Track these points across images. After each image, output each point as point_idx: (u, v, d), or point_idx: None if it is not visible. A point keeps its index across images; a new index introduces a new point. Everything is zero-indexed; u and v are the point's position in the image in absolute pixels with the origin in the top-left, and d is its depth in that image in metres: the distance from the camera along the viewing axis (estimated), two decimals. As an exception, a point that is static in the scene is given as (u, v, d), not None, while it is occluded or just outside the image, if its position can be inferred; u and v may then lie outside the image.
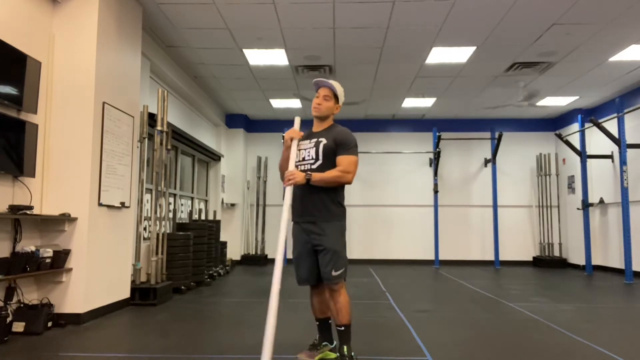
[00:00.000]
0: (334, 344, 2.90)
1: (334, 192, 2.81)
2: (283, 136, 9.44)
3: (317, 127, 2.92)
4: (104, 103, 4.27)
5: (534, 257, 9.88)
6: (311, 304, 2.97)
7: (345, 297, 2.74)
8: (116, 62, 4.55)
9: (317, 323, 2.97)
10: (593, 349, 3.25)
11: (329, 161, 2.76)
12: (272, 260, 9.37)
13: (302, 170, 2.77)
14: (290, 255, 10.79)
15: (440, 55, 6.43)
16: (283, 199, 2.67)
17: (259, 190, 10.23)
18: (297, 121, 2.92)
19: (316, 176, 2.70)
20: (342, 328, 2.72)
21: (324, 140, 2.80)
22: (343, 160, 2.75)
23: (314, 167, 2.77)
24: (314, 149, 2.80)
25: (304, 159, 2.83)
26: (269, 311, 2.28)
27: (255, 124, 10.47)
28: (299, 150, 2.85)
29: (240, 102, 9.02)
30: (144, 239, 5.54)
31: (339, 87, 2.89)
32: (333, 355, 2.85)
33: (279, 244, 2.53)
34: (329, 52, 6.33)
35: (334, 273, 2.69)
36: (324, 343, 2.89)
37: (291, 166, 2.73)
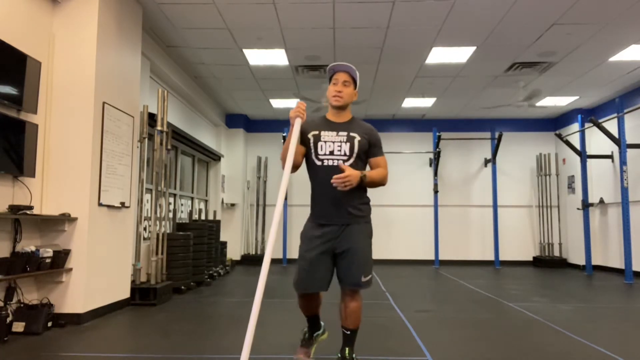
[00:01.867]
0: (321, 329, 2.79)
1: (361, 189, 2.55)
2: (284, 137, 9.50)
3: (337, 117, 2.61)
4: (104, 103, 4.27)
5: (534, 257, 9.89)
6: (300, 305, 2.70)
7: (360, 303, 2.60)
8: (116, 62, 4.55)
9: (307, 319, 2.77)
10: (593, 349, 3.24)
11: (359, 160, 2.54)
12: (272, 261, 9.36)
13: (329, 166, 2.49)
14: (289, 256, 10.67)
15: (440, 55, 6.43)
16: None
17: (259, 190, 10.23)
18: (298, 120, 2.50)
19: (370, 176, 2.46)
20: (349, 332, 2.60)
21: (357, 137, 2.53)
22: (382, 161, 2.60)
23: (346, 164, 2.49)
24: (348, 144, 2.51)
25: (332, 153, 2.50)
26: (252, 310, 2.13)
27: (255, 124, 10.47)
28: (324, 142, 2.52)
29: (240, 102, 9.02)
30: (144, 239, 5.54)
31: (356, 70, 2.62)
32: (325, 335, 2.80)
33: (270, 235, 2.23)
34: (329, 52, 6.33)
35: (364, 279, 2.49)
36: (315, 334, 2.76)
37: (291, 150, 2.36)
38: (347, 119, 2.62)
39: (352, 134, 2.54)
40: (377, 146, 2.60)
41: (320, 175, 2.53)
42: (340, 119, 2.61)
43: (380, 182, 2.55)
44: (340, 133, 2.54)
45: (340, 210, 2.50)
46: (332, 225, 2.51)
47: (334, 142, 2.52)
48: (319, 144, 2.53)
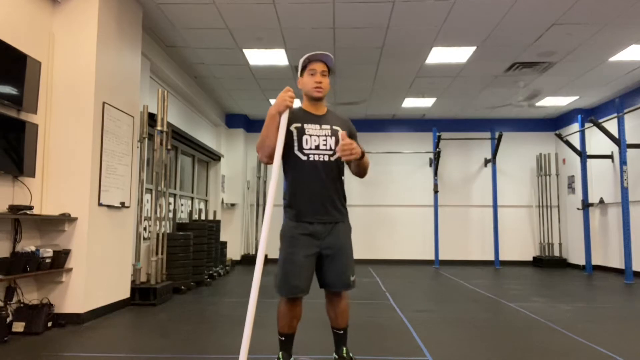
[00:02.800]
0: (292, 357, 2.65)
1: (342, 186, 2.52)
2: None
3: (316, 109, 2.52)
4: (104, 103, 4.27)
5: (534, 257, 9.89)
6: (283, 319, 2.49)
7: (349, 300, 2.61)
8: (116, 62, 4.55)
9: (283, 339, 2.52)
10: (593, 349, 3.24)
11: None
12: (273, 261, 9.37)
13: (315, 161, 2.41)
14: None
15: (440, 55, 6.43)
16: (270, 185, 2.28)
17: (259, 190, 10.23)
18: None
19: (365, 157, 2.45)
20: (342, 332, 2.61)
21: (339, 130, 2.47)
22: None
23: (332, 159, 2.44)
24: (333, 138, 2.44)
25: (317, 147, 2.42)
26: (248, 310, 2.13)
27: (255, 124, 10.47)
28: (309, 135, 2.43)
29: (240, 102, 9.02)
30: (144, 239, 5.54)
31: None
32: None
33: (262, 234, 2.22)
34: (328, 52, 6.32)
35: (352, 278, 2.47)
36: (293, 357, 2.61)
37: (279, 144, 2.29)
38: (325, 111, 2.56)
39: (335, 127, 2.48)
40: (356, 138, 2.57)
41: (305, 171, 2.42)
42: (319, 111, 2.53)
43: (367, 167, 2.53)
44: (324, 126, 2.47)
45: (326, 208, 2.42)
46: (320, 223, 2.41)
47: (319, 136, 2.44)
48: (304, 137, 2.42)
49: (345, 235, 2.49)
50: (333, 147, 2.43)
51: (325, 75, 2.49)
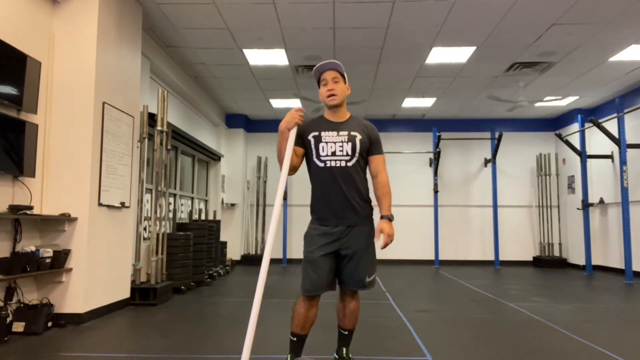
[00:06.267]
0: None
1: (366, 186, 2.55)
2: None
3: (336, 117, 2.56)
4: (104, 103, 4.27)
5: (534, 257, 9.89)
6: (298, 317, 2.48)
7: (359, 303, 2.63)
8: (116, 62, 4.55)
9: (294, 339, 2.51)
10: (593, 349, 3.25)
11: (361, 158, 2.51)
12: (272, 261, 9.37)
13: (332, 167, 2.47)
14: (289, 256, 10.62)
15: (440, 55, 6.43)
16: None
17: (259, 190, 10.23)
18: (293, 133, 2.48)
19: (390, 205, 2.53)
20: (347, 332, 2.64)
21: (358, 135, 2.50)
22: (381, 161, 2.56)
23: (349, 164, 2.47)
24: (350, 144, 2.48)
25: (334, 154, 2.47)
26: (252, 309, 2.15)
27: (255, 124, 10.47)
28: (325, 143, 2.48)
29: (240, 102, 9.02)
30: (144, 239, 5.54)
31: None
32: None
33: (269, 236, 2.27)
34: (329, 52, 6.33)
35: (368, 279, 2.50)
36: None
37: (286, 162, 2.41)
38: (346, 118, 2.58)
39: (352, 132, 2.51)
40: (377, 144, 2.57)
41: (322, 177, 2.50)
42: (339, 118, 2.57)
43: (391, 194, 2.57)
44: (341, 133, 2.50)
45: (344, 212, 2.47)
46: (337, 226, 2.47)
47: (335, 143, 2.48)
48: (320, 145, 2.49)
49: (363, 238, 2.50)
50: (350, 153, 2.48)
51: (337, 81, 2.53)
